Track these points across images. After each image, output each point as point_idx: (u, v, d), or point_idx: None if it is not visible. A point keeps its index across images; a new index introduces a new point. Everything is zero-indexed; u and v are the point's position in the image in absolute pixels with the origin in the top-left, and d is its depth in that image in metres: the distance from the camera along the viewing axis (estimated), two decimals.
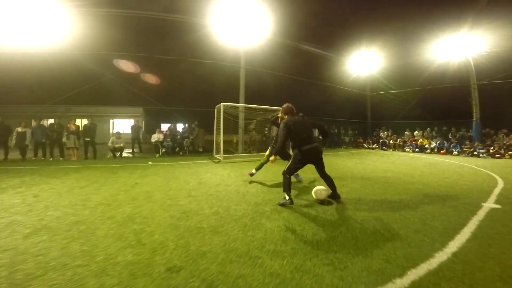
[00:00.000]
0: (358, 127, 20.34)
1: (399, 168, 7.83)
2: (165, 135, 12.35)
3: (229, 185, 5.16)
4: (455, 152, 12.92)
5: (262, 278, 1.91)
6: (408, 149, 14.81)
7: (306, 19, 17.19)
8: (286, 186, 3.78)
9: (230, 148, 11.73)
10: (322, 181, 4.10)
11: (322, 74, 19.33)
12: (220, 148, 9.46)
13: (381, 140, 16.89)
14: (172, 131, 12.67)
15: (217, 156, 9.95)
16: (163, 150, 11.57)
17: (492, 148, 12.08)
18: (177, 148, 11.88)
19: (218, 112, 10.17)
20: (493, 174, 6.71)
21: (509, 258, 2.23)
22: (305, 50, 17.41)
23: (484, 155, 11.87)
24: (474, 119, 14.15)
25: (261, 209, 3.58)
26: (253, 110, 11.74)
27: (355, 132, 19.22)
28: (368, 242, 2.55)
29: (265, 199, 4.13)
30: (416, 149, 14.53)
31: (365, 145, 17.69)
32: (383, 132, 17.93)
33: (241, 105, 11.46)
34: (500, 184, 5.42)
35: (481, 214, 3.41)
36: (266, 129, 13.76)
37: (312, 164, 3.97)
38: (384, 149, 16.07)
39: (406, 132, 16.84)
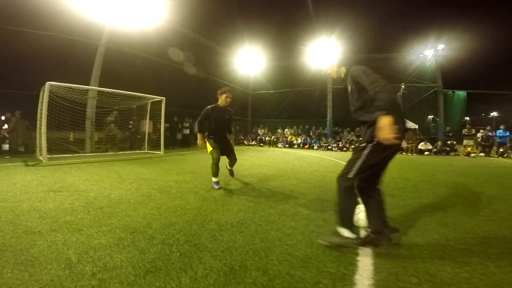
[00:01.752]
0: (239, 124, 20.56)
1: (273, 162, 7.58)
2: None
3: None
4: (316, 147, 14.80)
5: None
6: (280, 145, 15.91)
7: (194, 10, 15.55)
8: (348, 213, 2.02)
9: (71, 146, 8.52)
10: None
11: (207, 67, 18.12)
12: (42, 147, 6.39)
13: (258, 137, 17.53)
14: None
15: (40, 157, 6.73)
16: None
17: (340, 143, 14.52)
18: None
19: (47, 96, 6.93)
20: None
21: None
22: (191, 40, 15.69)
23: (336, 149, 14.10)
24: (328, 118, 16.81)
25: None
26: (110, 96, 8.99)
27: (236, 129, 19.25)
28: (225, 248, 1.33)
29: None
30: (287, 145, 15.80)
31: (245, 141, 17.90)
32: (261, 130, 18.79)
33: (82, 86, 8.22)
34: None
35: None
36: (131, 122, 11.17)
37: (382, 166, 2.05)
38: (261, 145, 16.69)
39: (279, 130, 18.23)
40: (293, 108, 19.48)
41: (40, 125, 6.71)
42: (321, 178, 5.12)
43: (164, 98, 9.82)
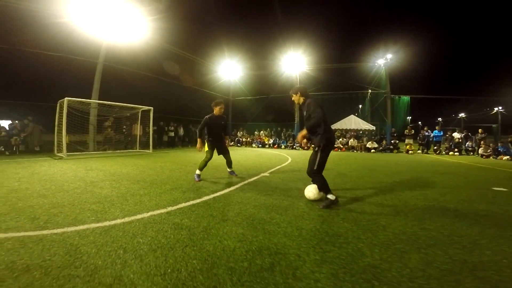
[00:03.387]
0: None
1: (235, 157, 10.09)
2: None
3: None
4: (283, 146, 17.50)
5: None
6: (255, 145, 18.56)
7: (180, 24, 18.03)
8: (326, 187, 3.32)
9: (78, 147, 10.85)
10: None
11: (192, 78, 20.58)
12: (62, 147, 8.78)
13: (237, 138, 20.10)
14: None
15: (59, 154, 9.10)
16: None
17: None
18: (1, 147, 9.78)
19: (62, 108, 9.33)
20: (290, 158, 10.02)
21: (235, 202, 3.53)
22: (176, 55, 18.22)
23: (299, 148, 16.82)
24: (296, 122, 19.56)
25: None
26: (108, 106, 11.40)
27: None
28: (176, 182, 3.81)
29: None
30: (260, 145, 18.45)
31: None
32: (240, 132, 21.36)
33: (91, 101, 10.83)
34: (286, 163, 8.30)
35: (252, 179, 5.10)
36: (125, 127, 13.53)
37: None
38: (238, 146, 19.27)
39: (256, 132, 20.86)
40: (268, 113, 22.27)
41: (60, 129, 9.08)
42: (256, 165, 7.69)
43: (152, 108, 12.25)
